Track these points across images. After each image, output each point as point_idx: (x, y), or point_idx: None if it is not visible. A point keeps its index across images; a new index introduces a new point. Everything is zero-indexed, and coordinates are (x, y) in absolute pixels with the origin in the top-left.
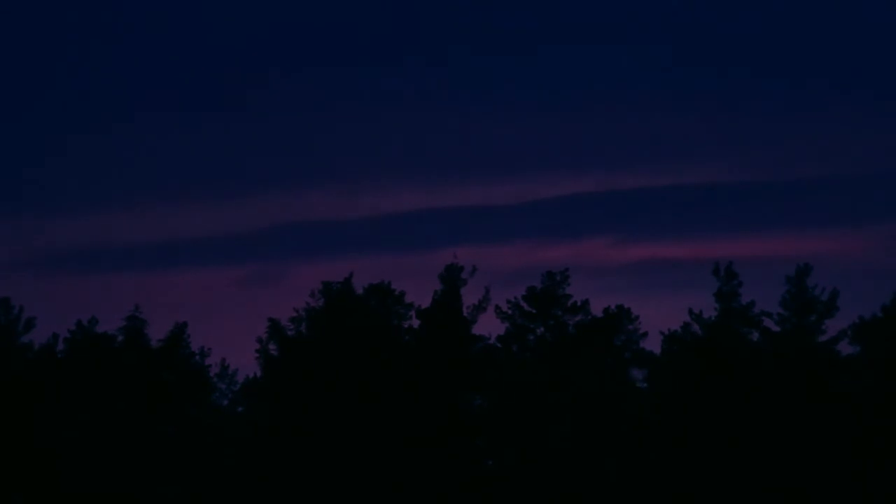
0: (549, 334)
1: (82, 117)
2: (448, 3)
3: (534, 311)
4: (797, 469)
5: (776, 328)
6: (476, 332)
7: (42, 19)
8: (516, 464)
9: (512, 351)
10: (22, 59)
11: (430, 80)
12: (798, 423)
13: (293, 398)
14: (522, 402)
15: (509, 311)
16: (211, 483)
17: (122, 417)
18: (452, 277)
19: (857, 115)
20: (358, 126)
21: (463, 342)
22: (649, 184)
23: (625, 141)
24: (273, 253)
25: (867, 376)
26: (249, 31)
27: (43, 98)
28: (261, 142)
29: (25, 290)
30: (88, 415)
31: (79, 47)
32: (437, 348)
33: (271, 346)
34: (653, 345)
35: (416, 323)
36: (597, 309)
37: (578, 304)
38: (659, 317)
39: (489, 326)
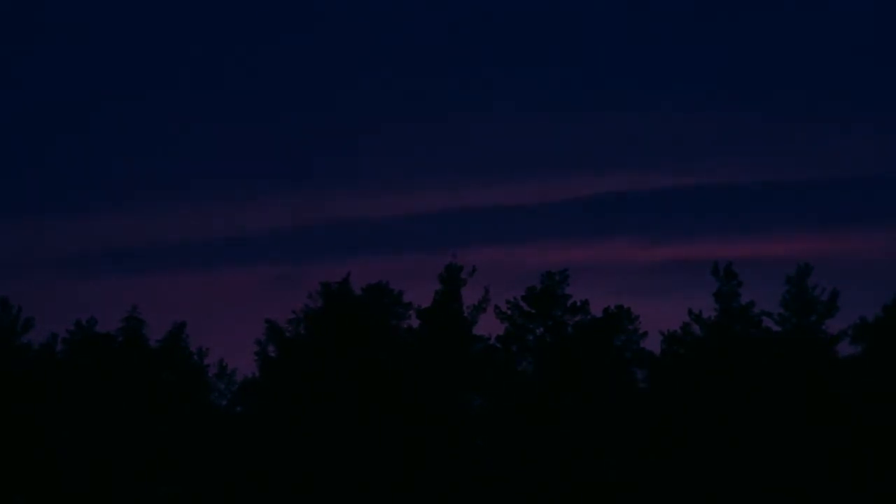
0: (548, 335)
1: (87, 117)
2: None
3: (533, 311)
4: (797, 469)
5: (776, 328)
6: (477, 332)
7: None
8: (516, 464)
9: (512, 351)
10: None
11: (459, 80)
12: (798, 423)
13: (291, 399)
14: (522, 402)
15: (509, 312)
16: (211, 483)
17: (121, 417)
18: (452, 278)
19: (858, 116)
20: (382, 126)
21: (462, 342)
22: (673, 184)
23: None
24: (296, 252)
25: (867, 376)
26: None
27: (44, 98)
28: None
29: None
30: (88, 414)
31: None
32: (436, 348)
33: (270, 348)
34: (654, 345)
35: (415, 323)
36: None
37: (578, 304)
38: (680, 318)
39: (489, 327)
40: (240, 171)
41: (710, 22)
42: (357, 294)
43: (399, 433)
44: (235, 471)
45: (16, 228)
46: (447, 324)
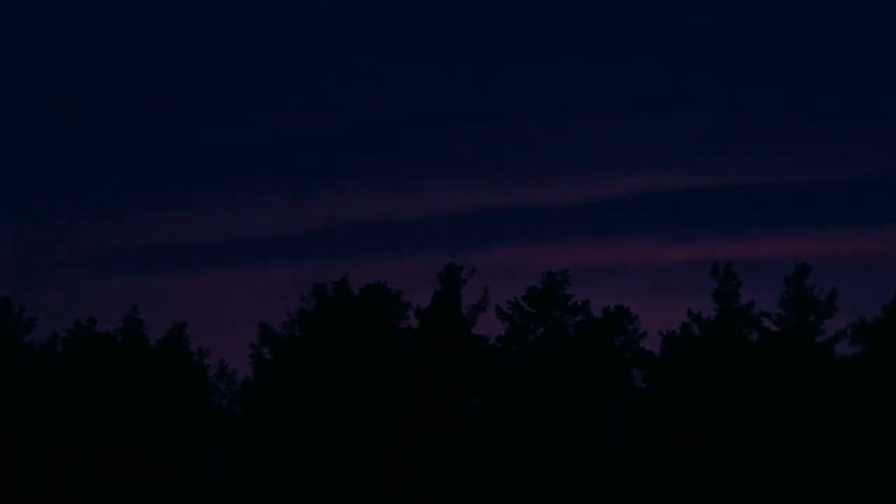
0: (548, 335)
1: (87, 116)
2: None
3: (533, 311)
4: (797, 468)
5: (775, 328)
6: (477, 332)
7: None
8: (516, 464)
9: (512, 351)
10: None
11: (486, 83)
12: (797, 423)
13: (286, 400)
14: (522, 401)
15: (509, 312)
16: (211, 482)
17: (121, 417)
18: (452, 278)
19: (859, 117)
20: (407, 125)
21: (462, 342)
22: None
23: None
24: (296, 253)
25: (866, 377)
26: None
27: (44, 98)
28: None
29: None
30: (88, 415)
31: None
32: (436, 348)
33: (265, 350)
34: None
35: (414, 323)
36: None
37: (579, 304)
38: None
39: (490, 327)
40: (242, 171)
41: (700, 30)
42: (355, 294)
43: (399, 433)
44: (236, 471)
45: (16, 229)
46: (446, 324)
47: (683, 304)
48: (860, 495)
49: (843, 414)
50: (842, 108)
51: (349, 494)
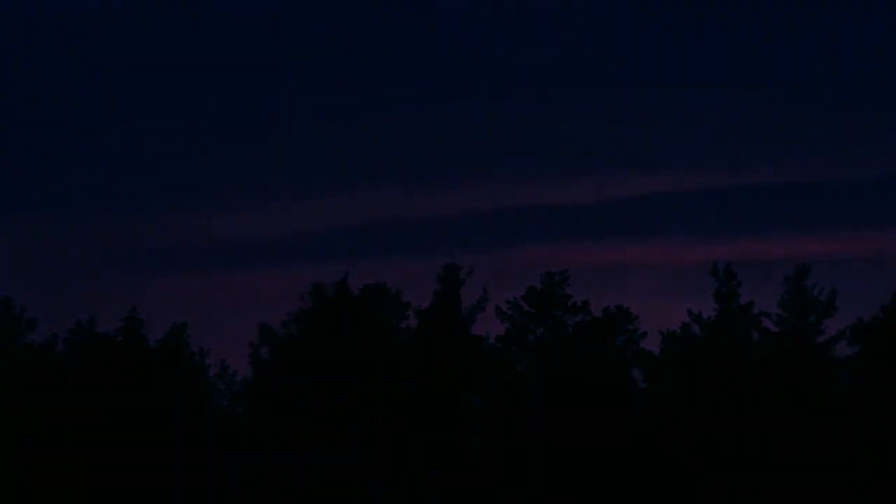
0: (548, 335)
1: (90, 120)
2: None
3: (533, 311)
4: (796, 468)
5: (775, 328)
6: (477, 332)
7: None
8: (516, 464)
9: (512, 351)
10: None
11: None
12: (796, 423)
13: (283, 399)
14: (522, 401)
15: (509, 312)
16: (210, 482)
17: (121, 417)
18: (451, 278)
19: (859, 118)
20: (429, 126)
21: (461, 342)
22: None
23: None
24: (297, 253)
25: (865, 376)
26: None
27: (43, 98)
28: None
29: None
30: (88, 414)
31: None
32: (435, 348)
33: (263, 350)
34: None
35: (414, 323)
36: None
37: (579, 303)
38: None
39: (489, 326)
40: (243, 172)
41: (710, 22)
42: (355, 294)
43: (398, 433)
44: (236, 470)
45: (17, 229)
46: (446, 323)
47: (686, 304)
48: (860, 495)
49: (842, 414)
50: (842, 109)
51: (349, 494)
